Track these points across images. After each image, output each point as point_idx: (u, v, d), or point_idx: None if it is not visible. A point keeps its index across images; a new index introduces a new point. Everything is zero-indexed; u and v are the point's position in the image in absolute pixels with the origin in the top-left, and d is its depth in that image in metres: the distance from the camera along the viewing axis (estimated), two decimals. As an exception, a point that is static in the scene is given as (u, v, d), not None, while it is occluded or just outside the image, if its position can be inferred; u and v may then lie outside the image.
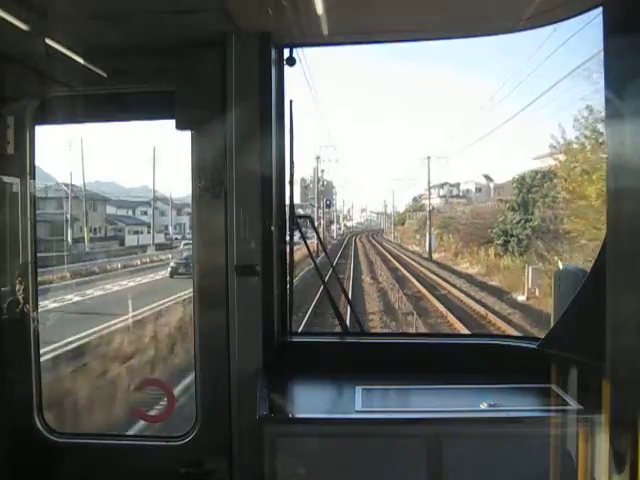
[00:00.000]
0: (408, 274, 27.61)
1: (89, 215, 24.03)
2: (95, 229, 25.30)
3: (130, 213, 29.34)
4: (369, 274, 28.54)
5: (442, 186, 43.08)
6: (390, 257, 36.07)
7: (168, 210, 31.62)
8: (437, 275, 27.63)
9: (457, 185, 43.81)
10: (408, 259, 35.54)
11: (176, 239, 30.42)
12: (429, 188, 40.46)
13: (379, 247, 44.13)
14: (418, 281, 25.07)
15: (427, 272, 28.81)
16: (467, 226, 35.10)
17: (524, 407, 3.31)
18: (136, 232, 28.41)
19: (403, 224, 50.50)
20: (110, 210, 28.21)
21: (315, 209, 35.34)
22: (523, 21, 3.51)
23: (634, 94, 2.50)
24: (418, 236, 43.10)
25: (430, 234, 37.39)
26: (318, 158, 36.63)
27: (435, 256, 36.07)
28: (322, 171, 37.79)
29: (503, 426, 3.10)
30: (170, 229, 31.09)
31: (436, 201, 43.49)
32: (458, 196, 43.42)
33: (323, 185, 37.75)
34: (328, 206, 40.08)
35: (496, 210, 32.82)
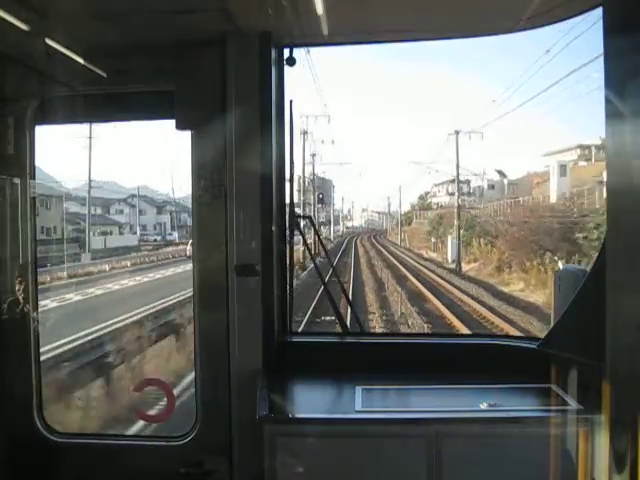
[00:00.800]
0: (443, 308, 17.77)
1: (41, 213, 21.42)
2: (48, 229, 21.27)
3: (99, 212, 26.30)
4: (382, 310, 18.04)
5: (451, 182, 37.27)
6: (403, 269, 26.58)
7: (148, 208, 28.40)
8: (490, 309, 17.57)
9: (467, 182, 38.46)
10: (428, 272, 25.85)
11: (155, 240, 27.56)
12: (457, 173, 32.09)
13: (385, 253, 36.47)
14: (466, 325, 15.46)
15: (470, 301, 19.06)
16: (518, 228, 25.13)
17: (524, 407, 3.30)
18: (103, 233, 25.67)
19: (410, 224, 44.60)
20: (75, 208, 25.06)
21: (302, 202, 27.01)
22: (523, 21, 3.50)
23: (634, 94, 2.51)
24: (433, 239, 35.49)
25: (459, 238, 28.70)
26: (306, 134, 28.42)
27: (464, 267, 27.13)
28: (313, 155, 30.38)
29: (503, 426, 3.10)
30: (137, 229, 27.93)
31: (445, 199, 38.73)
32: (469, 194, 38.12)
33: (314, 174, 30.84)
34: (321, 201, 33.81)
35: (574, 203, 23.03)
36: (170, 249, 27.00)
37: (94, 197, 25.41)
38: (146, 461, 3.76)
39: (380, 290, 21.36)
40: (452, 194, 36.05)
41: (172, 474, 3.65)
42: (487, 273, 24.65)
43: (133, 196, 28.64)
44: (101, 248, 24.62)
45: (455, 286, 22.05)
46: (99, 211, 26.92)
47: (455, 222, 28.77)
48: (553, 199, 27.48)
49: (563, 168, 29.19)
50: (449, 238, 30.26)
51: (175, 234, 28.74)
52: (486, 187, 38.41)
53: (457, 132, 29.61)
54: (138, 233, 28.05)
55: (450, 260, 29.32)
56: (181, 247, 25.63)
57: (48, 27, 3.45)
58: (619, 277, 2.63)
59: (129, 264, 22.38)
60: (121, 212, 28.31)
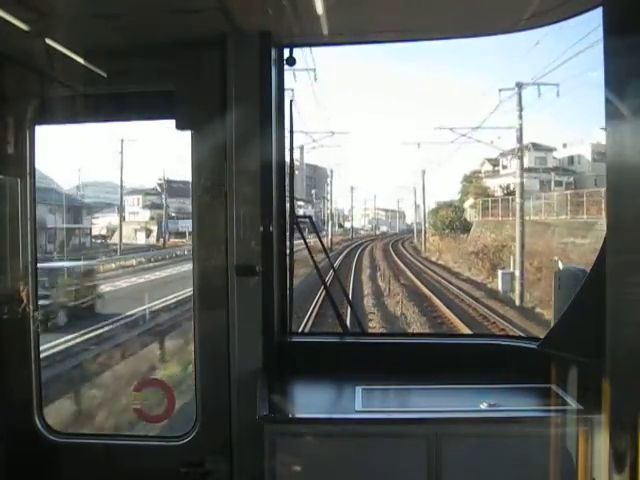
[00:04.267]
0: None
1: None
2: None
3: None
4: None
5: (529, 150, 22.26)
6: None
7: None
8: None
9: (549, 150, 23.55)
10: None
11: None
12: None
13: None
14: None
15: None
16: None
17: (524, 407, 3.31)
18: None
19: (448, 229, 24.75)
20: None
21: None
22: (523, 21, 3.51)
23: (634, 94, 2.51)
24: None
25: None
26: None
27: None
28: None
29: (503, 426, 3.10)
30: None
31: (514, 179, 22.53)
32: (556, 169, 23.88)
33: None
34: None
35: None
36: None
37: None
38: (146, 461, 3.76)
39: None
40: (530, 169, 20.93)
41: (172, 474, 3.65)
42: None
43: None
44: None
45: None
46: None
47: None
48: None
49: None
50: None
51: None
52: (589, 158, 22.42)
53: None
54: None
55: None
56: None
57: (48, 27, 3.45)
58: (619, 277, 2.63)
59: None
60: None
